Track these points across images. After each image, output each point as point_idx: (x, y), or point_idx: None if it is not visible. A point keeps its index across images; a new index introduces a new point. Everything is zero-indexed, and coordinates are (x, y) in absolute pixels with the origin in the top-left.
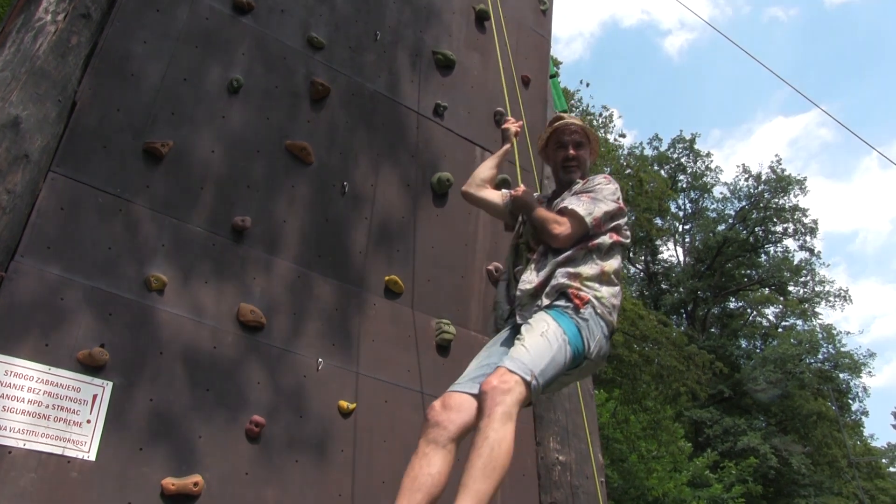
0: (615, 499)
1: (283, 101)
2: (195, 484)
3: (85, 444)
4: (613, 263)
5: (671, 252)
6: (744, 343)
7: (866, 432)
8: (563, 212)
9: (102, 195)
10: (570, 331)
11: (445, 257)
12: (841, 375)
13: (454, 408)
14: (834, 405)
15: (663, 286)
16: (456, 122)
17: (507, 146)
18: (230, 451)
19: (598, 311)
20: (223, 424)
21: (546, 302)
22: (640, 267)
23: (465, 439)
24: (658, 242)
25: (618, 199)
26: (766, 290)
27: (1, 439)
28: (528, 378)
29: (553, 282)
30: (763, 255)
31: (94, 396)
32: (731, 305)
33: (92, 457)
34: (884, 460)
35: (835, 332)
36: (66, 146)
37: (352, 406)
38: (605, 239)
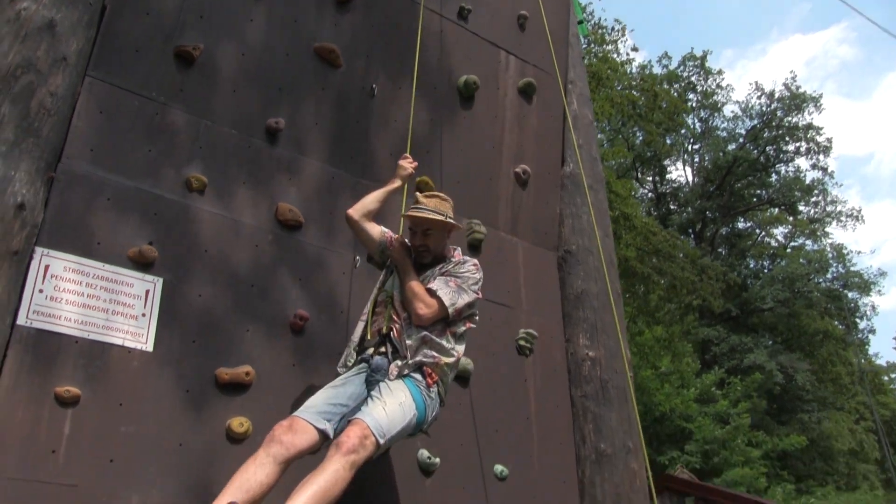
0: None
1: (310, 3)
2: (246, 374)
3: (142, 336)
4: (462, 348)
5: (679, 172)
6: (752, 263)
7: (871, 351)
8: (430, 293)
9: (138, 98)
10: (419, 406)
11: (473, 160)
12: (850, 294)
13: (298, 432)
14: (842, 325)
15: (671, 206)
16: (480, 26)
17: (396, 184)
18: (276, 343)
19: (441, 388)
20: (268, 319)
21: (405, 371)
22: (647, 187)
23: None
24: (666, 162)
25: (478, 290)
26: (776, 210)
27: (67, 330)
28: (382, 441)
29: (418, 358)
30: (774, 174)
31: (147, 292)
32: (740, 226)
33: (150, 348)
34: (885, 378)
35: (845, 251)
36: (99, 50)
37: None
38: (461, 326)
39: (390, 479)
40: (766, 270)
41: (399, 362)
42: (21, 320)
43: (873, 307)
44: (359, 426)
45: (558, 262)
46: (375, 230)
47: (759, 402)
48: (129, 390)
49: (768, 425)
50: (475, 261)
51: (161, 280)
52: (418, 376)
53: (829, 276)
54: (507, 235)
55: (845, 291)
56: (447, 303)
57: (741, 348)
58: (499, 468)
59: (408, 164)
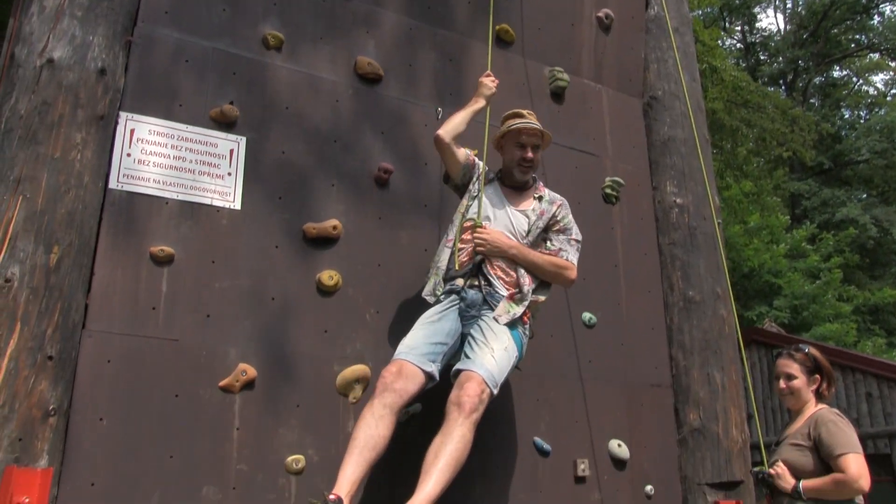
0: None
1: None
2: (334, 227)
3: (229, 194)
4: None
5: (770, 20)
6: (847, 113)
7: None
8: (558, 256)
9: None
10: (518, 346)
11: (554, 4)
12: None
13: (409, 378)
14: None
15: (761, 57)
16: None
17: (479, 104)
18: (362, 196)
19: (532, 322)
20: (353, 173)
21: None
22: (736, 38)
23: None
24: (756, 10)
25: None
26: (876, 56)
27: (157, 192)
28: (496, 391)
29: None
30: (876, 16)
31: (231, 151)
32: (835, 74)
33: (237, 206)
34: None
35: None
36: None
37: (473, 151)
38: None
39: None
40: (862, 121)
41: (506, 304)
42: (112, 184)
43: None
44: (475, 381)
45: (644, 109)
46: (461, 152)
47: (852, 256)
48: (221, 247)
49: (860, 280)
50: (561, 200)
51: (244, 139)
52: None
53: None
54: (590, 83)
55: None
56: (575, 262)
57: (833, 202)
58: (587, 315)
59: (490, 81)
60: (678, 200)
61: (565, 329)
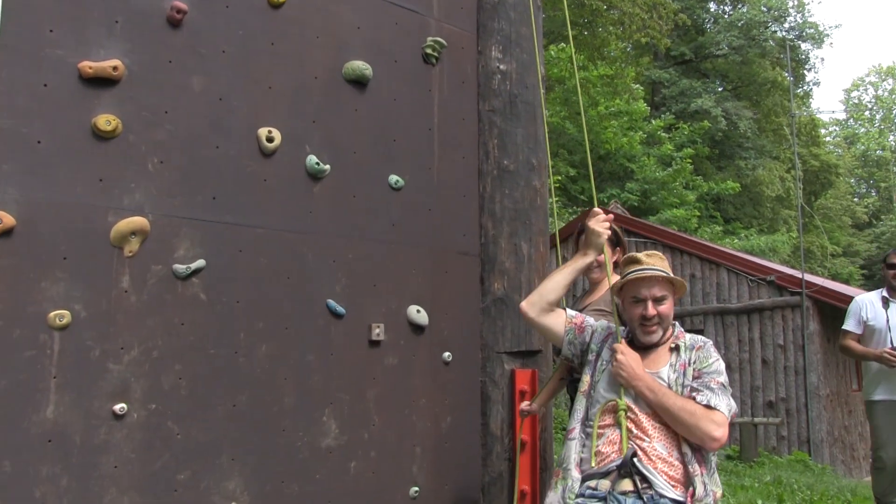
0: (569, 149)
1: None
2: (114, 68)
3: None
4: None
5: None
6: (713, 6)
7: (813, 105)
8: (704, 406)
9: None
10: None
11: None
12: (802, 45)
13: None
14: (790, 75)
15: None
16: None
17: (588, 258)
18: (151, 36)
19: None
20: (142, 9)
21: None
22: None
23: None
24: None
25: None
26: None
27: None
28: None
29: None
30: None
31: None
32: None
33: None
34: (822, 130)
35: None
36: None
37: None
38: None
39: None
40: (726, 16)
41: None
42: None
43: (822, 60)
44: None
45: None
46: (559, 319)
47: (702, 147)
48: None
49: (707, 170)
50: (710, 342)
51: None
52: None
53: (785, 25)
54: None
55: (798, 42)
56: (726, 412)
57: (690, 93)
58: (394, 178)
59: (602, 222)
60: (502, 67)
61: (369, 189)
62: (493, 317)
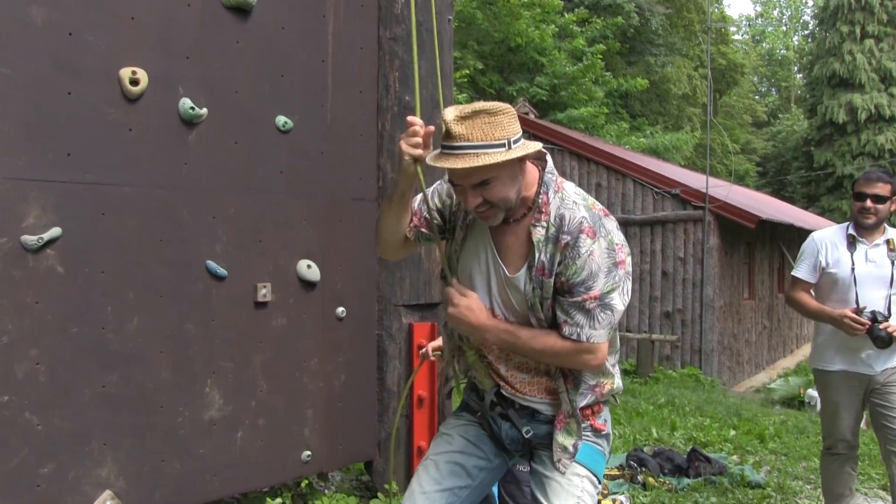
0: (478, 40)
1: None
2: None
3: None
4: (616, 351)
5: None
6: None
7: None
8: (573, 341)
9: None
10: (599, 472)
11: None
12: None
13: None
14: None
15: None
16: None
17: (401, 187)
18: None
19: (609, 416)
20: None
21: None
22: None
23: None
24: None
25: (629, 263)
26: None
27: None
28: None
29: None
30: None
31: None
32: None
33: None
34: (733, 28)
35: None
36: None
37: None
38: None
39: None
40: None
41: (559, 436)
42: None
43: None
44: None
45: None
46: (411, 242)
47: (613, 43)
48: None
49: (617, 65)
50: (587, 223)
51: None
52: (586, 432)
53: None
54: None
55: None
56: (605, 336)
57: None
58: (281, 120)
59: (411, 140)
60: None
61: (253, 133)
62: (390, 268)
